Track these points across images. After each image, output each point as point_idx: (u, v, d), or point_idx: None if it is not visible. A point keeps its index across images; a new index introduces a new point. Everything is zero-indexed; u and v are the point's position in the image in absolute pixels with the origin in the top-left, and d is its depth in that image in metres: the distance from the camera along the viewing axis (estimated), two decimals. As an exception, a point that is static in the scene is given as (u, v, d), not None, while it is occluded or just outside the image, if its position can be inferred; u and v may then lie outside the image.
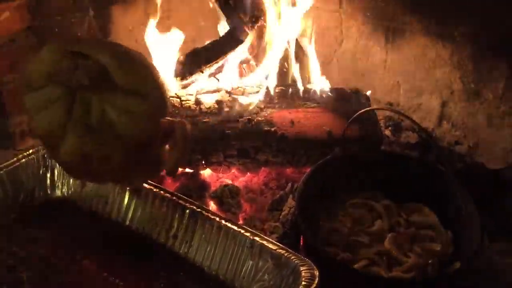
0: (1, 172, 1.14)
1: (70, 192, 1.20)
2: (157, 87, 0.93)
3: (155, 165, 0.99)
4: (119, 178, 1.02)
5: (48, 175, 1.21)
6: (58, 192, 1.21)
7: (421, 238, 1.19)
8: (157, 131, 0.93)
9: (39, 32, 1.66)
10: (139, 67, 0.92)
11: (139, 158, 0.92)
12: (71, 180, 1.20)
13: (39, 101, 0.89)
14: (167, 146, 0.98)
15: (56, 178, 1.21)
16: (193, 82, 1.55)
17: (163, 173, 1.02)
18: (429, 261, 1.11)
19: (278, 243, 0.99)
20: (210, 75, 1.60)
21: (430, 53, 1.70)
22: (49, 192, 1.20)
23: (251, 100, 1.50)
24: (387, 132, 1.72)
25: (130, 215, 1.13)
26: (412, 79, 1.78)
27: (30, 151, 1.20)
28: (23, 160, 1.18)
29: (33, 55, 0.90)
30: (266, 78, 1.60)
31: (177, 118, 0.99)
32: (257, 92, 1.53)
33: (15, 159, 1.17)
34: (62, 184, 1.21)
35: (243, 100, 1.49)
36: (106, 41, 0.95)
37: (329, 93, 1.56)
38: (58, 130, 0.89)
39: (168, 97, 0.99)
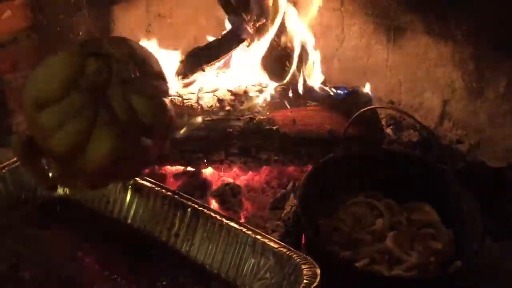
0: (4, 170, 1.14)
1: (71, 191, 1.20)
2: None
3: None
4: (139, 170, 1.02)
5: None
6: (60, 191, 1.21)
7: (422, 237, 1.19)
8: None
9: (41, 31, 1.66)
10: (151, 67, 0.92)
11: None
12: (73, 179, 1.20)
13: (60, 115, 0.82)
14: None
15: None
16: (194, 80, 1.56)
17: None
18: (430, 260, 1.11)
19: (279, 242, 0.99)
20: (211, 74, 1.60)
21: (432, 52, 1.70)
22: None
23: (253, 98, 1.50)
24: (389, 131, 1.72)
25: (131, 213, 1.13)
26: (413, 77, 1.78)
27: (32, 149, 1.20)
28: (25, 159, 1.18)
29: (40, 67, 0.85)
30: (268, 76, 1.61)
31: None
32: (259, 91, 1.53)
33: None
34: (63, 183, 1.21)
35: (244, 98, 1.49)
36: (116, 37, 0.93)
37: (331, 92, 1.56)
38: (82, 140, 0.82)
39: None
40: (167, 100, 0.91)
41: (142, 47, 0.93)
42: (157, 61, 0.93)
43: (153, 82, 0.90)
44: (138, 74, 0.87)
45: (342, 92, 1.56)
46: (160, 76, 0.91)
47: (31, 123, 0.85)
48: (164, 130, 0.93)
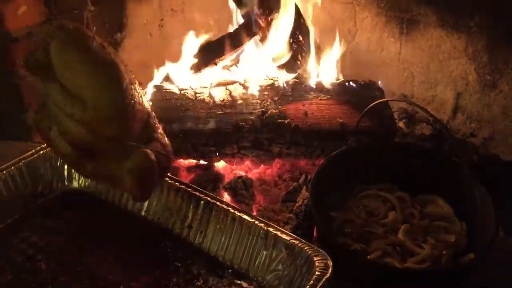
0: (20, 164, 1.16)
1: (87, 184, 1.22)
2: (101, 99, 0.90)
3: (110, 179, 0.98)
4: (71, 165, 1.10)
5: (65, 166, 1.22)
6: (75, 184, 1.23)
7: (435, 230, 1.19)
8: (92, 142, 0.92)
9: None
10: (87, 73, 0.90)
11: (91, 161, 0.96)
12: (87, 172, 1.22)
13: None
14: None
15: (73, 170, 1.22)
16: (207, 74, 1.56)
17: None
18: (443, 253, 1.11)
19: (291, 234, 1.00)
20: (224, 68, 1.60)
21: (445, 45, 1.68)
22: (66, 183, 1.22)
23: (265, 92, 1.51)
24: (401, 124, 1.72)
25: (145, 206, 1.14)
26: (426, 70, 1.77)
27: (48, 143, 1.21)
28: (41, 152, 1.20)
29: None
30: (279, 70, 1.61)
31: (147, 148, 0.95)
32: (271, 84, 1.54)
33: (33, 151, 1.20)
34: (79, 176, 1.22)
35: (256, 92, 1.49)
36: (80, 34, 0.93)
37: (343, 85, 1.55)
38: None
39: (130, 120, 0.94)
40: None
41: (87, 56, 0.91)
42: (98, 95, 0.91)
43: (64, 99, 0.91)
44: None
45: (354, 85, 1.56)
46: (78, 101, 0.91)
47: None
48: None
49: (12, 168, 1.15)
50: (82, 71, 0.90)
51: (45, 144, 1.20)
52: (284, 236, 0.99)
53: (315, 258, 0.92)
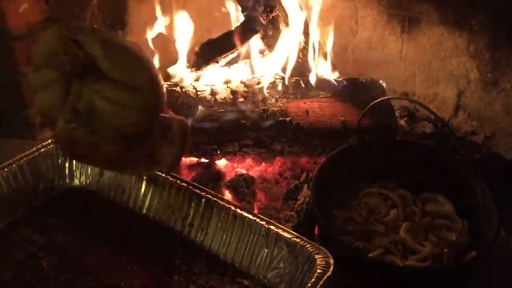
0: (22, 161, 1.16)
1: (88, 182, 1.22)
2: (151, 83, 0.93)
3: (149, 159, 0.99)
4: (107, 166, 1.05)
5: (67, 164, 1.23)
6: (76, 182, 1.23)
7: (436, 228, 1.19)
8: (148, 125, 0.93)
9: (56, 24, 1.68)
10: (132, 62, 0.92)
11: (130, 149, 0.94)
12: (89, 170, 1.22)
13: (39, 81, 0.93)
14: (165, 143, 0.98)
15: (74, 168, 1.23)
16: (208, 72, 1.56)
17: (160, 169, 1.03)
18: (444, 251, 1.11)
19: (293, 232, 1.00)
20: (225, 66, 1.60)
21: (447, 43, 1.68)
22: (68, 181, 1.22)
23: (266, 90, 1.50)
24: (402, 123, 1.71)
25: (147, 203, 1.15)
26: (428, 68, 1.77)
27: (49, 141, 1.22)
28: (43, 150, 1.20)
29: (40, 35, 0.95)
30: (281, 68, 1.61)
31: (177, 116, 1.00)
32: (272, 82, 1.54)
33: (34, 149, 1.19)
34: (80, 174, 1.23)
35: (258, 90, 1.49)
36: (103, 30, 0.97)
37: (344, 83, 1.55)
38: (52, 111, 0.92)
39: (164, 93, 0.98)
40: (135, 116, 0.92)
41: (121, 46, 0.93)
42: (143, 77, 0.92)
43: (118, 91, 0.91)
44: (104, 77, 0.89)
45: (355, 84, 1.56)
46: (130, 89, 0.91)
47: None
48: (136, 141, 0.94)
49: (14, 165, 1.15)
50: (131, 60, 0.92)
51: (46, 142, 1.21)
52: (286, 234, 0.99)
53: (316, 256, 0.92)
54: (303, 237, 0.98)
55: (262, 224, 1.01)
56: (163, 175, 1.13)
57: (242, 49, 1.60)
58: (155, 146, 0.98)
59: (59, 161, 1.22)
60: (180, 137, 0.96)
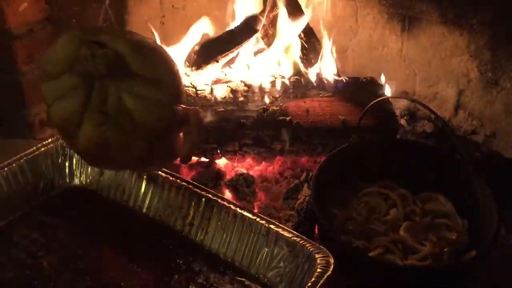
0: (22, 161, 1.16)
1: (88, 181, 1.22)
2: (173, 76, 0.93)
3: (171, 152, 1.00)
4: (136, 165, 1.03)
5: (67, 164, 1.22)
6: (76, 181, 1.23)
7: (436, 227, 1.19)
8: (173, 118, 0.93)
9: (57, 23, 1.68)
10: (156, 56, 0.93)
11: (156, 145, 0.93)
12: (89, 169, 1.22)
13: (56, 90, 0.90)
14: (181, 134, 0.99)
15: (74, 167, 1.23)
16: (208, 72, 1.56)
17: (177, 160, 1.03)
18: (445, 250, 1.11)
19: (293, 231, 0.99)
20: (225, 65, 1.60)
21: (447, 42, 1.68)
22: (68, 180, 1.22)
23: (266, 89, 1.50)
24: (403, 122, 1.71)
25: (147, 203, 1.15)
26: (428, 68, 1.77)
27: (49, 140, 1.22)
28: (43, 149, 1.20)
29: (51, 43, 0.91)
30: (281, 67, 1.61)
31: (191, 106, 1.00)
32: (272, 81, 1.53)
33: (34, 148, 1.19)
34: (80, 173, 1.23)
35: (258, 89, 1.49)
36: (123, 30, 0.95)
37: (344, 82, 1.55)
38: (75, 119, 0.89)
39: (183, 85, 0.99)
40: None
41: (145, 43, 0.93)
42: (167, 70, 0.93)
43: (147, 87, 0.90)
44: (132, 74, 0.88)
45: (356, 83, 1.55)
46: (158, 84, 0.91)
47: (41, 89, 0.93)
48: (161, 136, 0.93)
49: (14, 165, 1.15)
50: (154, 55, 0.93)
51: (45, 142, 1.21)
52: (286, 234, 0.99)
53: (316, 256, 0.92)
54: (303, 237, 0.98)
55: (262, 224, 1.01)
56: (163, 174, 1.14)
57: (242, 49, 1.60)
58: (176, 138, 0.98)
59: (59, 160, 1.22)
60: (196, 126, 0.96)
